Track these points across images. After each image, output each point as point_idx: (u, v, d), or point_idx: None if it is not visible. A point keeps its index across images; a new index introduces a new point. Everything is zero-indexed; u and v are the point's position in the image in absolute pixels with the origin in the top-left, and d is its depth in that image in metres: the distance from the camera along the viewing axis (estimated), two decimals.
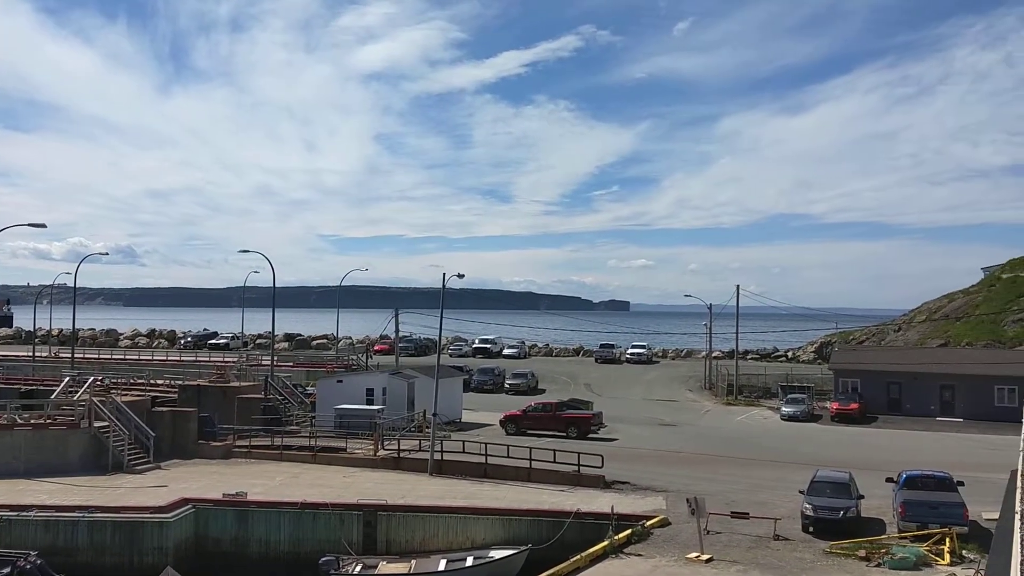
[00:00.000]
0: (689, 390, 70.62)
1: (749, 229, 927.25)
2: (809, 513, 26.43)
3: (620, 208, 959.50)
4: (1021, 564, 2.33)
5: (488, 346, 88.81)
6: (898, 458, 37.52)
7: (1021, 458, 3.99)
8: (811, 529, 26.31)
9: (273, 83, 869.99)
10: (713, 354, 75.75)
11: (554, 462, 33.92)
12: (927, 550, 23.72)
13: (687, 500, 25.55)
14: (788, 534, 26.10)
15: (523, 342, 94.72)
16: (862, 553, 23.92)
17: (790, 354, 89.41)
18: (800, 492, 27.73)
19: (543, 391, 67.06)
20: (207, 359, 72.93)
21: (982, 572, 20.79)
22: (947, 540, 24.20)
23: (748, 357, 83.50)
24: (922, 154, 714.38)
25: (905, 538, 24.95)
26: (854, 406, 56.03)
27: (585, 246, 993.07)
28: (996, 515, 21.79)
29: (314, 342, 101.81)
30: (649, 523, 27.13)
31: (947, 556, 23.43)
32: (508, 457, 34.96)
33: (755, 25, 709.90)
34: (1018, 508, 2.97)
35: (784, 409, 57.12)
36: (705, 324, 75.52)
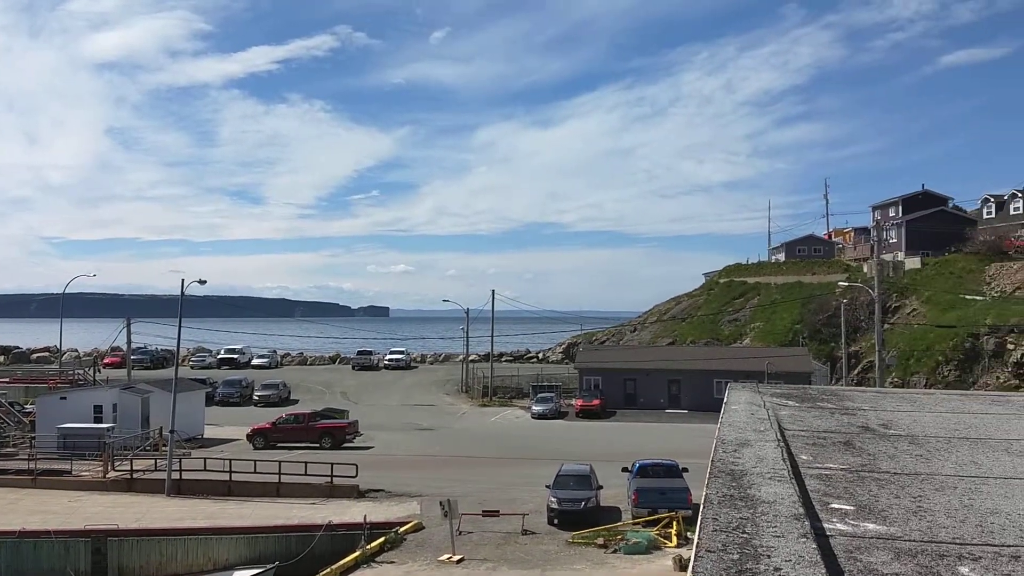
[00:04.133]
0: (446, 394, 71.70)
1: (505, 236, 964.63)
2: (554, 506, 27.72)
3: (380, 213, 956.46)
4: (696, 545, 2.47)
5: (235, 356, 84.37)
6: (634, 449, 40.39)
7: (714, 445, 4.38)
8: (556, 521, 27.58)
9: None
10: (470, 357, 77.53)
11: (306, 475, 32.93)
12: (657, 534, 25.72)
13: (440, 503, 25.80)
14: (535, 528, 27.17)
15: (274, 351, 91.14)
16: (600, 541, 25.45)
17: (541, 355, 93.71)
18: (547, 487, 28.99)
19: (296, 401, 64.93)
20: None
21: None
22: (674, 523, 26.40)
23: (503, 359, 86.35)
24: (655, 170, 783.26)
25: (638, 524, 26.89)
26: (596, 402, 59.77)
27: (343, 251, 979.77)
28: None
29: (34, 355, 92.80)
30: (403, 529, 27.10)
31: (674, 538, 25.54)
32: (255, 472, 33.45)
33: (508, 39, 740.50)
34: (704, 492, 3.19)
35: (534, 408, 59.70)
36: (462, 328, 77.11)
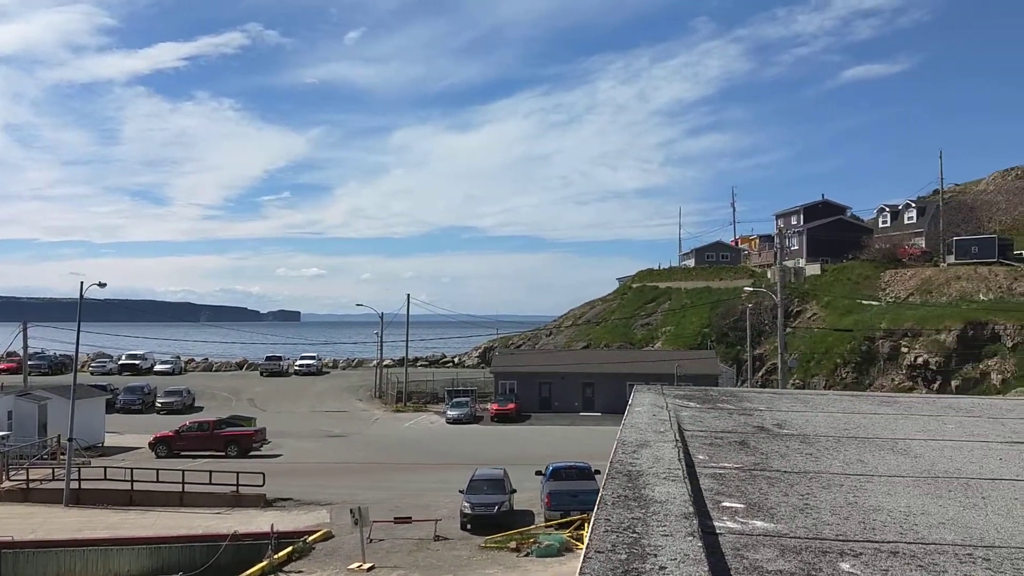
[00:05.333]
0: (359, 399, 70.72)
1: (422, 240, 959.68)
2: (467, 511, 27.67)
3: (292, 215, 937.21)
4: (587, 546, 2.50)
5: (137, 362, 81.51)
6: (548, 452, 40.73)
7: (614, 447, 4.46)
8: (469, 526, 27.54)
9: None
10: (384, 362, 76.69)
11: (210, 484, 32.07)
12: (569, 536, 25.96)
13: (351, 510, 25.44)
14: (448, 533, 27.05)
15: (178, 356, 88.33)
16: (513, 545, 25.54)
17: (457, 359, 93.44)
18: (460, 491, 28.92)
19: (200, 409, 62.96)
20: None
21: None
22: (586, 525, 26.67)
23: (418, 364, 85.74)
24: (571, 176, 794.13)
25: (551, 526, 27.08)
26: (511, 406, 59.98)
27: (252, 253, 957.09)
28: None
29: None
30: (311, 538, 26.61)
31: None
32: (157, 482, 32.44)
33: (423, 42, 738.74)
34: (600, 493, 3.25)
35: (449, 413, 59.46)
36: (377, 333, 76.22)
